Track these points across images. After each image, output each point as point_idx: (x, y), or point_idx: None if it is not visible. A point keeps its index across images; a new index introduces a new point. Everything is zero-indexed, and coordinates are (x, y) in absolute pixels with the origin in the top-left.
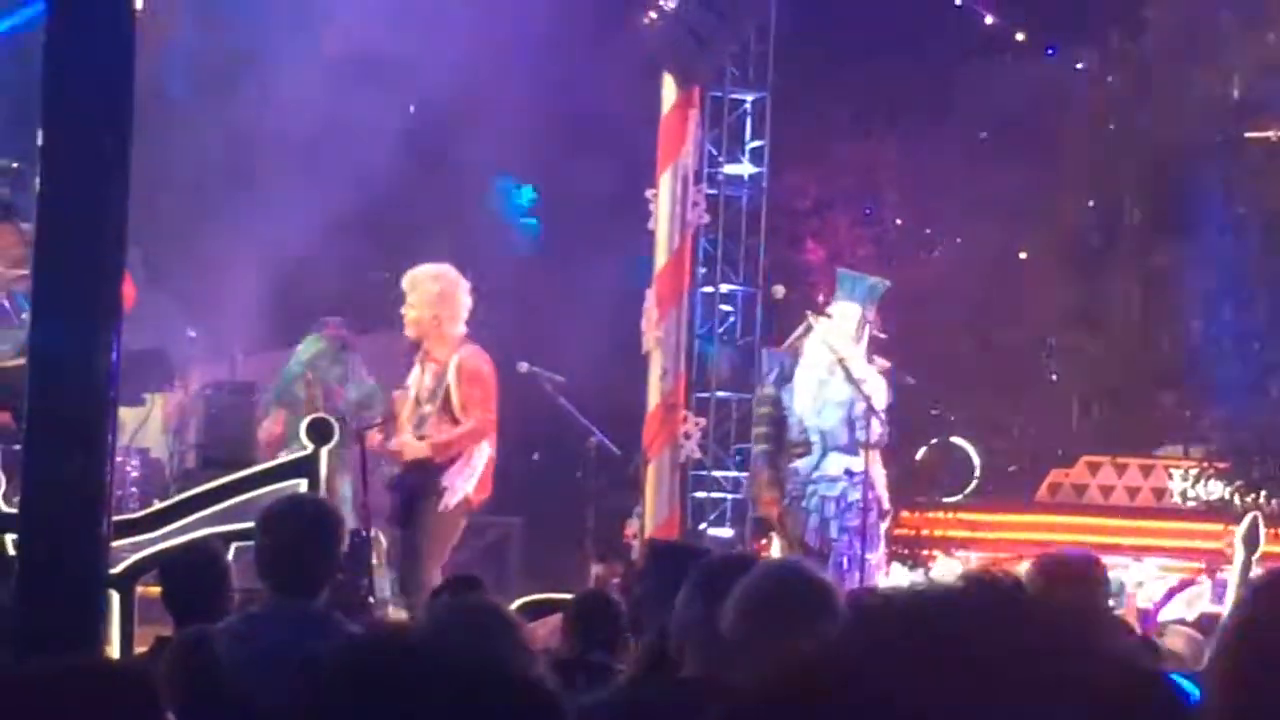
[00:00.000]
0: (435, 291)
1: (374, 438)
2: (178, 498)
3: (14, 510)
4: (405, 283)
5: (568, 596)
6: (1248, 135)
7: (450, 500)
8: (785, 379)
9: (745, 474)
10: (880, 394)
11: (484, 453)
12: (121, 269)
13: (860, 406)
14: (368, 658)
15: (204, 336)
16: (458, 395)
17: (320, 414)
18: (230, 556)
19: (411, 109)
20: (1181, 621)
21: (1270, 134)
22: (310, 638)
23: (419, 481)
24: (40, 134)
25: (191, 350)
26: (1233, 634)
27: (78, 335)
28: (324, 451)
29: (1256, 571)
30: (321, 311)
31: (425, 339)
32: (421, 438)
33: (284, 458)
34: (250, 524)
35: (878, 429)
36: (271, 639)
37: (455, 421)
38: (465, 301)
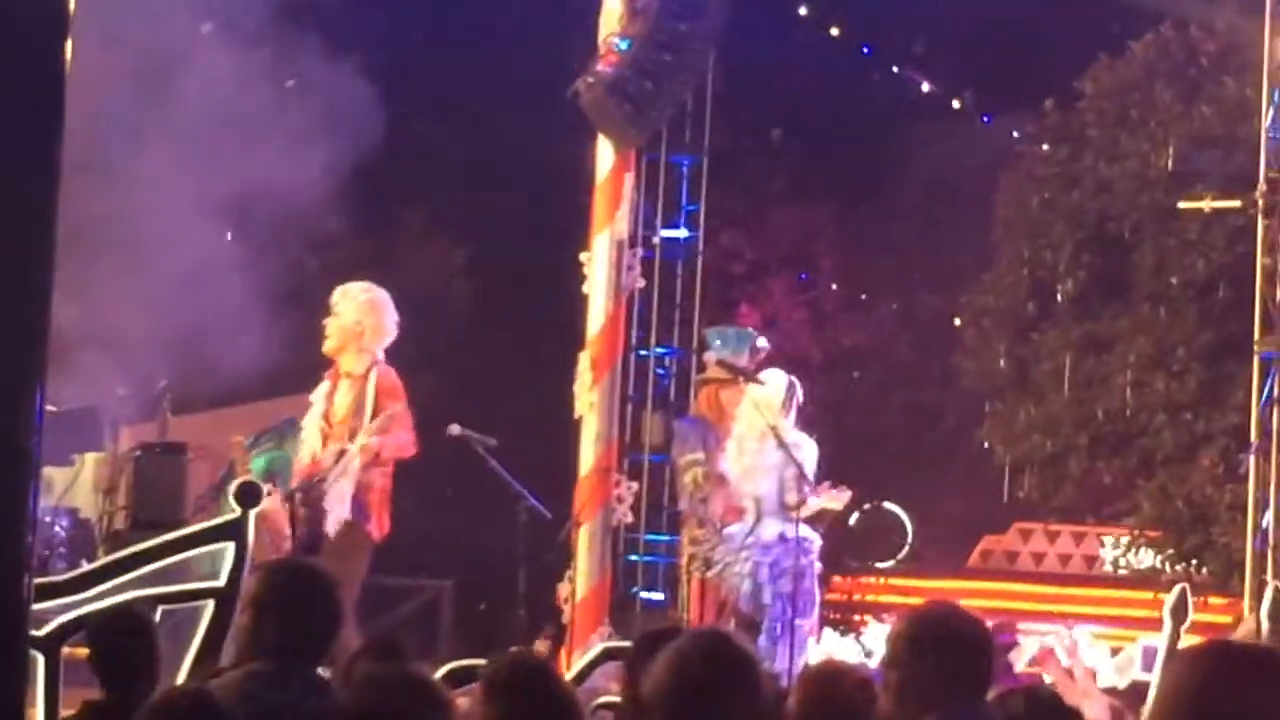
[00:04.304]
0: (365, 300)
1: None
2: (106, 559)
3: None
4: (335, 295)
5: None
6: (1181, 205)
7: (333, 528)
8: (708, 444)
9: (678, 537)
10: (811, 459)
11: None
12: (47, 325)
13: (791, 471)
14: None
15: (135, 396)
16: (378, 408)
17: (249, 478)
18: (158, 619)
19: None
20: (1112, 690)
21: (1203, 205)
22: (311, 700)
23: (313, 517)
24: None
25: (122, 410)
26: (1170, 702)
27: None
28: (252, 514)
29: (1185, 642)
30: (255, 372)
31: (343, 352)
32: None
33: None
34: (178, 587)
35: (806, 494)
36: (275, 700)
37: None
38: (391, 323)
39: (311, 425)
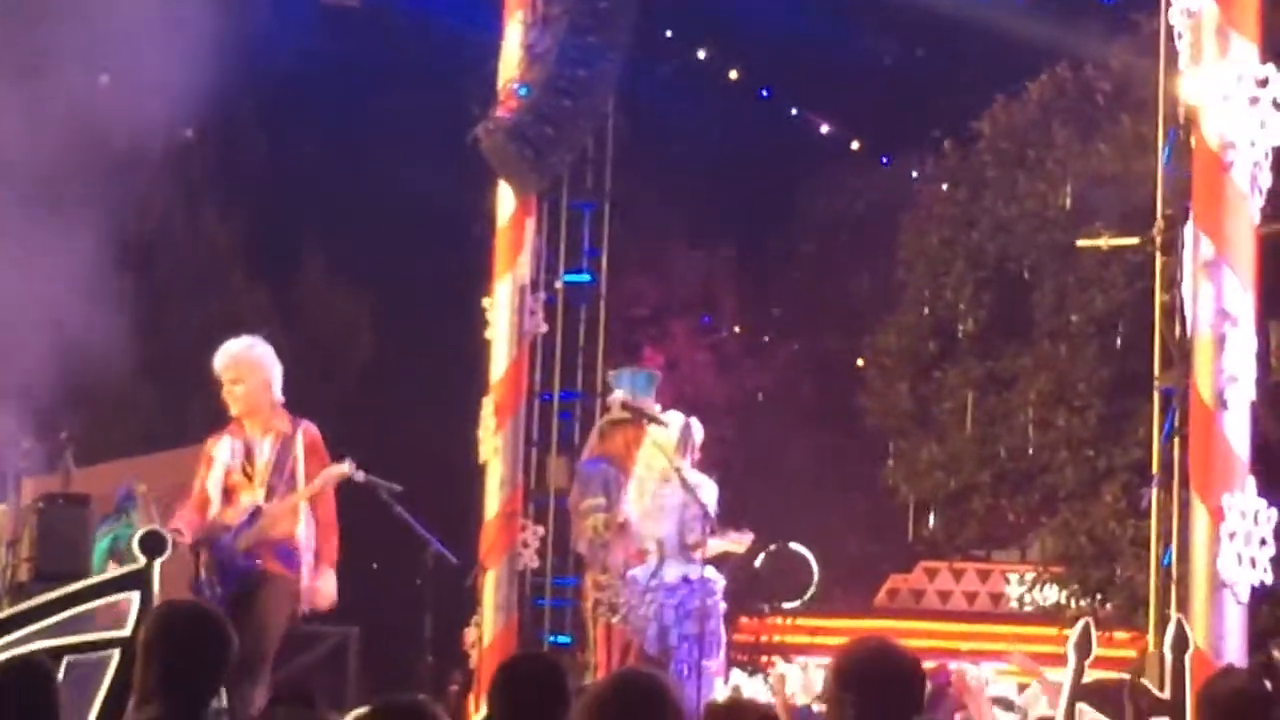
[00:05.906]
0: (258, 356)
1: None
2: (9, 611)
3: None
4: (221, 361)
5: None
6: (1078, 244)
7: (323, 603)
8: (611, 489)
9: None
10: (711, 500)
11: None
12: None
13: (692, 511)
14: None
15: (38, 448)
16: (306, 467)
17: (154, 527)
18: (62, 671)
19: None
20: None
21: (1101, 243)
22: None
23: (251, 570)
24: None
25: (25, 462)
26: None
27: None
28: (157, 564)
29: (1090, 677)
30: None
31: (256, 413)
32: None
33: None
34: (82, 637)
35: (707, 533)
36: None
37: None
38: (278, 365)
39: (214, 483)
